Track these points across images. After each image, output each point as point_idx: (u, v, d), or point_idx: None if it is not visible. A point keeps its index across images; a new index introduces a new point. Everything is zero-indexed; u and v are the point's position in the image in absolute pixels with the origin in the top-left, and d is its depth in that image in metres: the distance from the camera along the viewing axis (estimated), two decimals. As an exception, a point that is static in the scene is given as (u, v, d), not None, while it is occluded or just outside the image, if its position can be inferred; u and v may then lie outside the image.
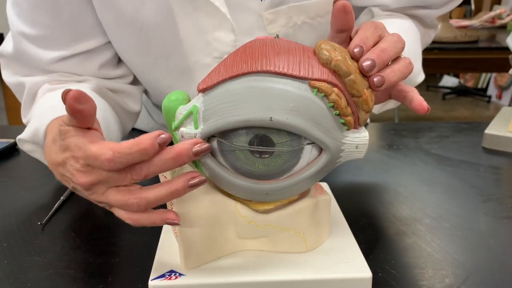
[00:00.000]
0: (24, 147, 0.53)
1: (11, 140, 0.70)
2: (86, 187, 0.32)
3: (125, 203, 0.31)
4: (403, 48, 0.36)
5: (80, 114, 0.31)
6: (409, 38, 0.55)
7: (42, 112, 0.50)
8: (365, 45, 0.34)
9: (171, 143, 0.33)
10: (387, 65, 0.35)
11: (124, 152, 0.29)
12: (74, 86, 0.55)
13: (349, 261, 0.35)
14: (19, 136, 0.52)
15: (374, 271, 0.38)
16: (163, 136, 0.30)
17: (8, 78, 0.59)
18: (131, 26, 0.53)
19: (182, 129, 0.32)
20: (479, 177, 0.58)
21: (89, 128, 0.34)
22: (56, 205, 0.50)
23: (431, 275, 0.38)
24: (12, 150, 0.69)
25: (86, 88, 0.55)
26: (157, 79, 0.59)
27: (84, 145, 0.31)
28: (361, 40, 0.34)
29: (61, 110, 0.43)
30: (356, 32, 0.37)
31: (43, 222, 0.47)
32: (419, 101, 0.37)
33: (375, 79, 0.33)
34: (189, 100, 0.34)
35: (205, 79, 0.32)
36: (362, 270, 0.34)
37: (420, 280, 0.37)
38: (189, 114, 0.32)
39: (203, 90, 0.32)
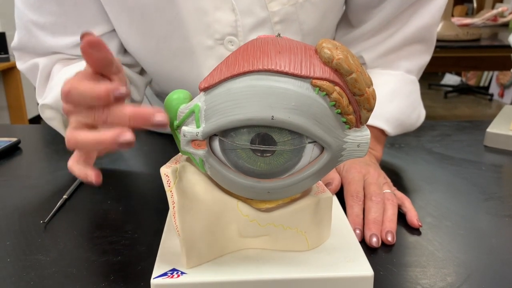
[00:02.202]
0: (44, 113, 0.55)
1: (14, 139, 0.70)
2: (64, 112, 0.36)
3: (66, 136, 0.35)
4: (383, 205, 0.46)
5: (89, 57, 0.34)
6: (402, 96, 0.61)
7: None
8: (359, 225, 0.44)
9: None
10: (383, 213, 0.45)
11: (78, 91, 0.33)
12: None
13: (351, 259, 0.35)
14: (42, 102, 0.54)
15: (376, 269, 0.38)
16: (121, 90, 0.32)
17: (21, 66, 0.62)
18: (133, 9, 0.54)
19: (184, 128, 0.32)
20: (481, 176, 0.58)
21: (102, 76, 0.36)
22: (58, 204, 0.50)
23: (433, 273, 0.38)
24: (15, 149, 0.69)
25: None
26: (160, 62, 0.60)
27: None
28: (355, 218, 0.44)
29: None
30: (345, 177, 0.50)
31: (45, 221, 0.47)
32: (410, 218, 0.46)
33: (389, 239, 0.42)
34: (191, 99, 0.34)
35: (206, 78, 0.32)
36: (364, 268, 0.34)
37: (422, 279, 0.37)
38: (191, 113, 0.32)
39: (205, 89, 0.32)
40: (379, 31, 0.62)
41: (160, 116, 0.31)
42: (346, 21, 0.66)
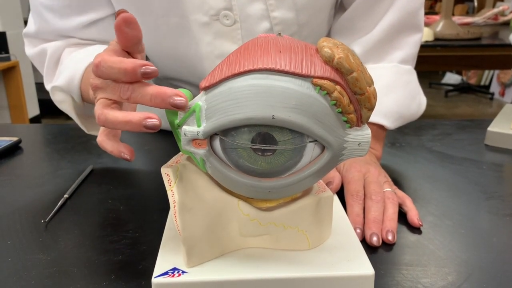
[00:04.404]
0: (55, 96, 0.56)
1: (15, 138, 0.70)
2: (92, 88, 0.37)
3: (96, 113, 0.35)
4: (383, 204, 0.46)
5: (122, 34, 0.35)
6: (399, 88, 0.61)
7: (77, 62, 0.54)
8: (359, 224, 0.44)
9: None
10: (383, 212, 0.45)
11: (108, 64, 0.33)
12: (97, 47, 0.60)
13: (352, 258, 0.35)
14: (53, 84, 0.56)
15: (377, 268, 0.38)
16: (149, 67, 0.32)
17: (30, 51, 0.64)
18: None
19: (184, 127, 0.32)
20: (482, 175, 0.58)
21: (128, 53, 0.38)
22: (59, 203, 0.50)
23: (434, 272, 0.38)
24: (16, 148, 0.69)
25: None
26: (158, 40, 0.61)
27: None
28: (356, 217, 0.44)
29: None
30: (345, 176, 0.50)
31: (46, 220, 0.47)
32: (411, 217, 0.46)
33: (389, 238, 0.42)
34: (192, 98, 0.34)
35: (207, 77, 0.32)
36: (364, 267, 0.34)
37: (423, 278, 0.37)
38: (192, 112, 0.32)
39: (206, 88, 0.32)
40: (367, 13, 0.61)
41: (179, 99, 0.32)
42: (341, 9, 0.66)
